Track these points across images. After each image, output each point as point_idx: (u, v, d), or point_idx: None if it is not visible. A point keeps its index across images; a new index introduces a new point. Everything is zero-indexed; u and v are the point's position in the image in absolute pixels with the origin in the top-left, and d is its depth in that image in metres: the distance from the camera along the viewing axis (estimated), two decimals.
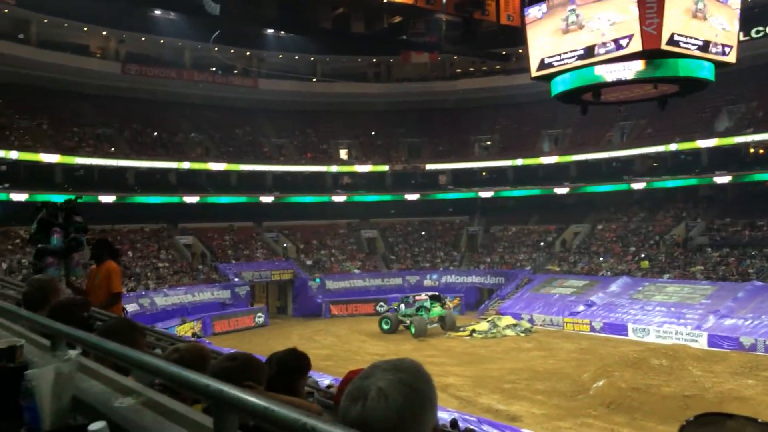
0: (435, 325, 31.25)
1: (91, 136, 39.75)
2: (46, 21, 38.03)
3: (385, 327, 32.06)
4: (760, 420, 0.87)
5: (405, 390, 1.15)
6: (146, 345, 3.43)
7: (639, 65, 15.06)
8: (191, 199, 40.58)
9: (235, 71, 46.46)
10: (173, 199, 40.07)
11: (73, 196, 7.58)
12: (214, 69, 45.44)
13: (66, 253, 6.85)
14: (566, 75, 16.19)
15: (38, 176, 35.42)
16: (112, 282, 6.41)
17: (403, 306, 32.45)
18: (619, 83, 15.66)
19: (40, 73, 38.11)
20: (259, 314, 35.64)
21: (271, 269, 39.46)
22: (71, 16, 38.45)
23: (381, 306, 38.14)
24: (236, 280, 37.05)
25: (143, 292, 32.37)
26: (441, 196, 46.94)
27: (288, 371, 2.86)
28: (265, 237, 42.83)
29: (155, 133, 42.77)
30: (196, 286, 35.12)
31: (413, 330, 30.59)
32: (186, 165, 41.20)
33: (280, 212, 43.73)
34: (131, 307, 29.39)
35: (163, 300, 32.60)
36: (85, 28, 40.10)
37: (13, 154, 34.08)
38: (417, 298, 32.47)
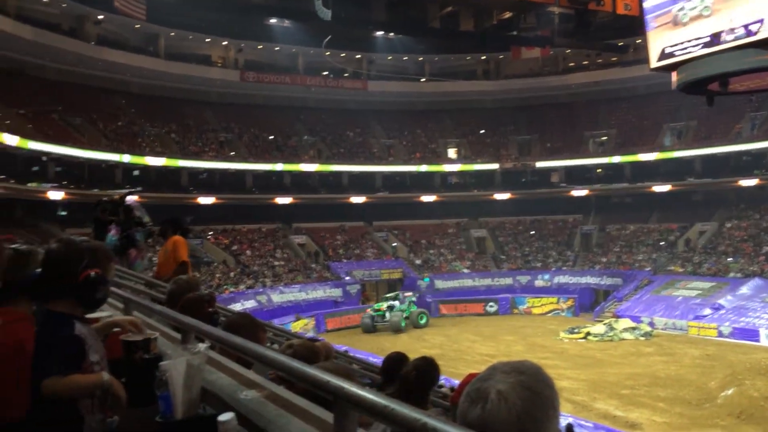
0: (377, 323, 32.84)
1: (213, 141, 42.07)
2: (172, 34, 40.67)
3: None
4: None
5: (526, 393, 1.12)
6: (266, 339, 3.58)
7: None
8: (305, 200, 41.98)
9: (346, 74, 47.52)
10: (287, 199, 41.60)
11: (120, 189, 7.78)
12: (325, 73, 46.73)
13: (122, 250, 7.10)
14: (691, 64, 15.21)
15: (166, 180, 37.94)
16: (177, 252, 6.64)
17: (398, 303, 33.73)
18: (753, 70, 14.50)
19: (168, 84, 40.96)
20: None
21: (381, 268, 40.03)
22: (194, 29, 40.94)
23: (491, 306, 37.69)
24: (347, 278, 37.90)
25: (260, 289, 33.85)
26: (554, 193, 45.54)
27: (424, 378, 2.92)
28: (375, 236, 43.49)
29: (271, 137, 44.59)
30: (310, 284, 36.26)
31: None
32: (300, 167, 42.67)
33: (390, 212, 44.25)
34: (249, 304, 30.83)
35: (278, 297, 33.93)
36: (207, 39, 42.51)
37: (147, 160, 36.73)
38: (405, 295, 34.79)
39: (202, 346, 1.91)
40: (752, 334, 27.77)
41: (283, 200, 41.36)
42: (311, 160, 43.92)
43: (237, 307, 24.53)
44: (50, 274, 2.11)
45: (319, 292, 36.12)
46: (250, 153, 42.33)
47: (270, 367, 1.79)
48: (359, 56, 47.56)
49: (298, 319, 31.73)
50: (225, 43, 43.50)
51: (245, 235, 39.64)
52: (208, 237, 37.66)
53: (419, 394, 2.58)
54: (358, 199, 43.60)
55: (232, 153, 41.90)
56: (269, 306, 32.54)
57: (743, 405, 17.90)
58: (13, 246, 2.23)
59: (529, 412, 1.10)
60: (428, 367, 2.90)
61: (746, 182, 38.21)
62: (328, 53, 44.76)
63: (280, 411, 1.60)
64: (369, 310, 33.63)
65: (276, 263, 37.61)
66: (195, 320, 2.54)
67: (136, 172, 36.98)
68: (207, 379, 1.97)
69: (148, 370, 2.00)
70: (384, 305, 33.34)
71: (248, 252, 37.82)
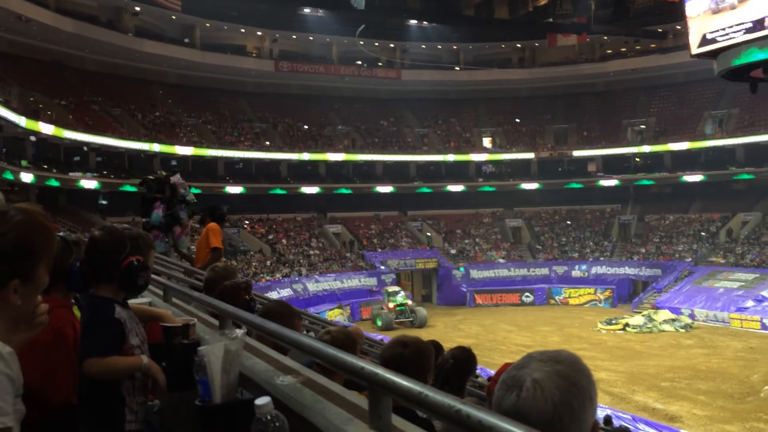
0: (398, 319, 31.31)
1: (248, 131, 42.51)
2: (208, 25, 41.14)
3: (378, 324, 30.92)
4: None
5: (562, 383, 1.10)
6: (301, 327, 3.62)
7: None
8: (339, 189, 42.21)
9: (380, 63, 47.44)
10: (323, 189, 41.87)
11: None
12: (359, 62, 46.72)
13: (168, 227, 7.20)
14: (733, 50, 14.78)
15: (203, 169, 38.50)
16: (209, 239, 6.71)
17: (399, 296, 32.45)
18: None
19: (204, 74, 41.48)
20: None
21: (416, 258, 40.04)
22: (230, 19, 41.32)
23: (527, 296, 37.40)
24: (382, 267, 38.01)
25: (296, 278, 34.19)
26: (592, 183, 44.83)
27: (462, 368, 2.92)
28: (410, 226, 43.47)
29: (305, 127, 44.84)
30: (345, 273, 36.49)
31: (379, 324, 30.69)
32: (334, 156, 42.87)
33: (424, 201, 44.17)
34: (285, 292, 31.18)
35: (314, 286, 34.24)
36: (242, 30, 42.87)
37: (184, 150, 37.32)
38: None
39: (239, 332, 1.94)
40: None
41: (317, 190, 41.65)
42: (345, 150, 44.07)
43: (273, 295, 24.84)
44: (94, 261, 2.17)
45: (354, 281, 36.33)
46: (285, 143, 42.66)
47: (305, 353, 1.80)
48: (393, 45, 47.42)
49: (339, 307, 32.06)
50: (260, 33, 43.80)
51: (281, 225, 40.04)
52: (245, 226, 38.14)
53: (456, 384, 2.58)
54: (392, 189, 43.61)
55: (267, 143, 42.27)
56: (305, 295, 32.85)
57: None
58: (61, 234, 2.30)
59: (565, 402, 1.09)
60: (465, 357, 2.90)
61: None
62: (362, 42, 44.73)
63: (317, 396, 1.62)
64: (387, 303, 32.12)
65: (311, 252, 37.92)
66: (232, 307, 2.58)
67: (173, 162, 37.61)
68: (244, 365, 2.00)
69: (186, 355, 2.05)
70: (404, 299, 32.55)
71: (284, 241, 38.21)
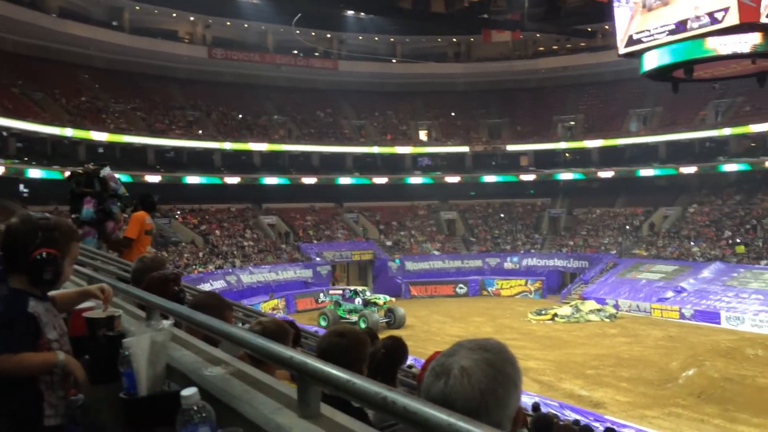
0: (384, 320, 28.41)
1: (180, 119, 41.42)
2: (137, 8, 39.76)
3: (323, 324, 28.17)
4: None
5: (489, 371, 1.14)
6: (233, 318, 3.57)
7: (756, 38, 14.08)
8: (274, 180, 41.71)
9: (316, 53, 47.08)
10: (257, 180, 41.28)
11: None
12: (295, 52, 46.21)
13: (100, 222, 7.01)
14: (657, 51, 15.43)
15: (132, 157, 37.25)
16: (127, 227, 6.62)
17: (343, 301, 29.98)
18: (718, 58, 14.77)
19: (133, 59, 40.04)
20: None
21: (352, 249, 40.07)
22: (160, 3, 40.04)
23: (460, 288, 38.04)
24: (318, 259, 37.86)
25: (230, 270, 33.64)
26: (524, 177, 45.95)
27: (393, 357, 2.93)
28: (346, 217, 43.46)
29: (240, 116, 44.07)
30: (280, 265, 36.15)
31: (364, 326, 28.04)
32: (269, 147, 42.29)
33: (361, 193, 44.23)
34: (218, 284, 30.63)
35: (248, 277, 33.78)
36: (174, 14, 41.66)
37: (112, 137, 36.00)
38: (371, 294, 30.59)
39: (166, 323, 1.90)
40: (713, 317, 28.53)
41: (252, 180, 41.03)
42: (281, 140, 43.58)
43: (206, 287, 24.34)
44: (7, 251, 2.06)
45: (290, 273, 36.04)
46: (219, 131, 41.79)
47: (234, 344, 1.78)
48: (329, 35, 47.14)
49: (271, 297, 31.71)
50: (192, 18, 42.70)
51: (214, 215, 39.27)
52: (176, 216, 37.21)
53: (387, 373, 2.61)
54: (328, 180, 43.45)
55: (200, 131, 41.30)
56: (239, 286, 32.37)
57: (703, 385, 18.44)
58: None
59: (491, 389, 1.12)
60: (396, 346, 2.93)
61: (708, 168, 39.07)
62: (298, 32, 44.25)
63: (246, 387, 1.60)
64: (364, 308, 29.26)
65: (245, 243, 37.37)
66: (159, 298, 2.52)
67: (100, 149, 36.25)
68: (172, 357, 1.96)
69: (111, 347, 1.99)
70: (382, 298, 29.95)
71: (217, 232, 37.51)
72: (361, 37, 47.30)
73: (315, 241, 40.06)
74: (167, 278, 3.31)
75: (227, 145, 40.89)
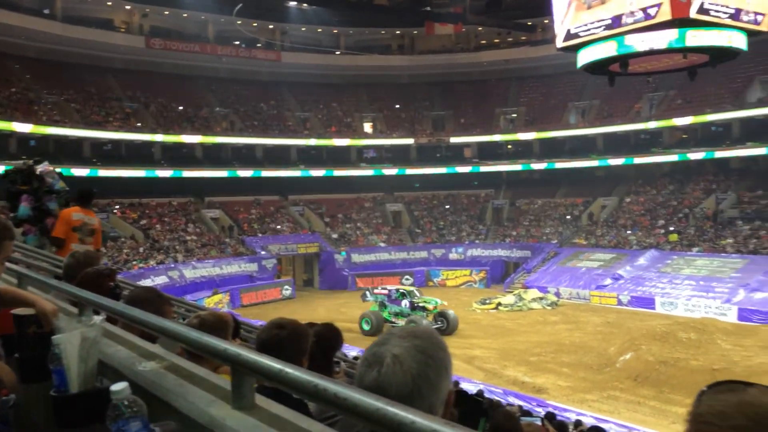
0: (435, 326, 24.17)
1: (117, 111, 40.19)
2: None
3: (366, 328, 25.71)
4: None
5: (420, 357, 1.16)
6: (173, 314, 3.50)
7: (673, 34, 14.67)
8: (217, 173, 40.98)
9: (259, 45, 46.42)
10: (199, 173, 40.48)
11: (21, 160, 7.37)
12: (237, 43, 45.44)
13: (38, 220, 6.80)
14: (594, 45, 15.86)
15: (66, 150, 35.96)
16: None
17: (389, 303, 26.83)
18: (651, 53, 15.30)
19: (66, 48, 38.54)
20: (286, 287, 36.09)
21: (297, 242, 39.84)
22: None
23: (407, 279, 38.29)
24: (263, 253, 37.48)
25: (172, 265, 32.95)
26: (467, 169, 46.55)
27: (325, 344, 2.92)
28: (291, 210, 43.12)
29: (180, 108, 43.08)
30: (224, 259, 35.62)
31: None
32: (210, 139, 41.50)
33: (306, 186, 43.93)
34: (160, 279, 29.99)
35: (191, 272, 33.17)
36: (109, 2, 40.32)
37: (45, 129, 34.63)
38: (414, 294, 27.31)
39: (97, 319, 1.85)
40: (648, 302, 29.64)
41: (194, 173, 40.18)
42: (224, 133, 42.86)
43: (147, 283, 23.78)
44: None
45: (234, 267, 35.56)
46: (158, 124, 40.76)
47: (169, 339, 1.76)
48: (272, 26, 46.54)
49: (215, 293, 31.20)
50: (128, 7, 41.41)
51: (154, 209, 38.33)
52: (114, 211, 36.15)
53: (321, 360, 2.61)
54: (272, 173, 43.00)
55: (138, 123, 40.18)
56: (182, 282, 31.77)
57: (640, 369, 19.13)
58: None
59: (423, 374, 1.15)
60: (328, 333, 2.92)
61: (643, 159, 40.49)
62: (240, 22, 43.53)
63: (180, 381, 1.58)
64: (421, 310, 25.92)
65: (188, 238, 36.65)
66: (92, 293, 2.45)
67: (32, 142, 34.85)
68: (105, 353, 1.91)
69: (41, 344, 1.93)
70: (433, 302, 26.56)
71: (158, 226, 36.65)
72: (304, 29, 46.87)
73: (260, 235, 39.62)
74: (101, 274, 3.23)
75: (166, 138, 39.89)
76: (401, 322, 25.26)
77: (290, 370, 1.14)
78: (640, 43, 15.02)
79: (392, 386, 1.13)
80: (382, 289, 28.34)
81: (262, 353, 1.48)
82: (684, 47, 14.93)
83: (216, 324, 2.65)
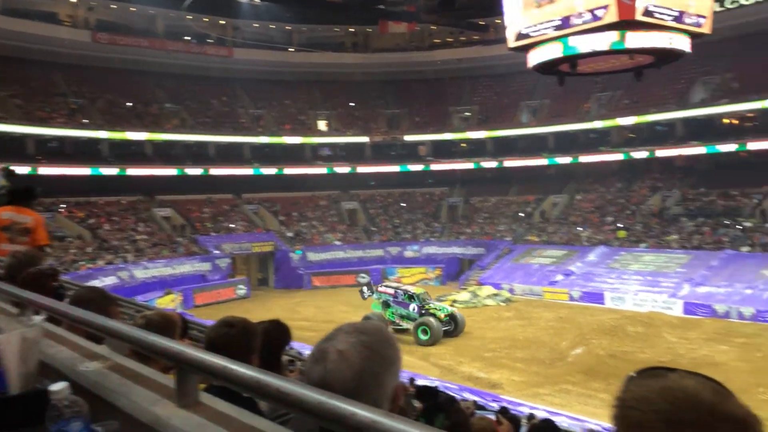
0: (445, 328, 24.27)
1: (63, 107, 39.02)
2: None
3: (425, 338, 24.07)
4: (698, 373, 0.91)
5: (365, 352, 1.18)
6: (119, 314, 3.43)
7: (614, 36, 15.07)
8: (168, 171, 40.19)
9: (210, 40, 45.71)
10: (149, 170, 39.63)
11: None
12: (188, 38, 44.64)
13: None
14: (543, 46, 16.16)
15: (8, 147, 34.65)
16: None
17: (394, 304, 25.38)
18: (594, 54, 15.68)
19: (9, 42, 37.06)
20: (241, 286, 35.67)
21: (252, 241, 39.40)
22: None
23: (363, 277, 38.30)
24: (216, 252, 36.94)
25: (122, 265, 32.19)
26: (422, 167, 46.82)
27: (271, 342, 2.88)
28: (245, 209, 42.62)
29: (129, 104, 42.08)
30: (176, 259, 34.97)
31: (425, 337, 23.56)
32: (159, 136, 40.64)
33: (260, 184, 43.47)
34: (109, 280, 29.28)
35: (142, 273, 32.46)
36: None
37: None
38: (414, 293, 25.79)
39: (37, 319, 1.80)
40: (598, 298, 30.35)
41: (142, 171, 39.29)
42: (175, 130, 42.04)
43: (96, 284, 23.15)
44: None
45: (187, 267, 34.95)
46: (106, 120, 39.69)
47: (113, 338, 1.72)
48: (223, 22, 45.92)
49: (167, 294, 30.60)
50: (73, 0, 40.20)
51: (102, 208, 37.36)
52: (60, 210, 35.08)
53: (267, 357, 2.59)
54: (225, 171, 42.41)
55: (84, 120, 39.06)
56: (132, 282, 31.05)
57: (590, 362, 19.60)
58: None
59: (368, 369, 1.16)
60: (274, 329, 2.90)
61: (592, 158, 41.44)
62: (190, 17, 42.83)
63: (124, 380, 1.55)
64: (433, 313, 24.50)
65: (138, 237, 35.84)
66: (33, 294, 2.38)
67: None
68: (46, 353, 1.86)
69: None
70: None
71: (106, 226, 35.73)
72: (256, 25, 46.39)
73: (213, 234, 39.03)
74: (43, 273, 3.14)
75: (112, 135, 38.82)
76: (407, 325, 24.44)
77: (234, 367, 1.13)
78: (583, 44, 15.41)
79: (337, 381, 1.14)
80: (386, 287, 26.67)
81: (210, 352, 1.47)
82: (624, 49, 15.35)
83: (163, 323, 2.61)
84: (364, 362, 1.16)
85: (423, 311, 24.45)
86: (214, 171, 41.88)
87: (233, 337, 2.25)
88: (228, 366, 1.14)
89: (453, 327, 24.30)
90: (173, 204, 40.06)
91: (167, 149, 41.64)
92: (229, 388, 1.35)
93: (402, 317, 24.92)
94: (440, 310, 24.68)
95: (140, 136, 40.00)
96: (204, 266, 35.60)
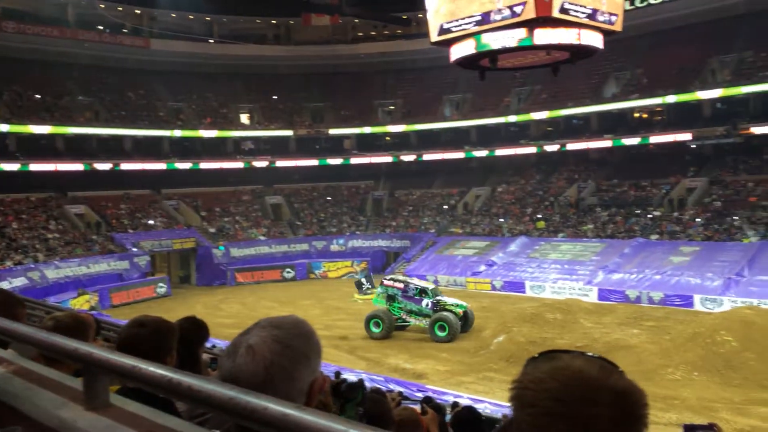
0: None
1: None
2: None
3: (376, 330, 23.49)
4: (588, 353, 0.96)
5: (276, 347, 1.18)
6: (26, 316, 3.26)
7: (522, 33, 15.51)
8: (79, 166, 38.38)
9: (125, 30, 43.97)
10: (59, 165, 37.78)
11: None
12: (101, 28, 42.76)
13: None
14: (463, 41, 16.45)
15: None
16: None
17: (404, 299, 23.93)
18: (504, 51, 16.10)
19: None
20: (161, 284, 34.60)
21: (172, 238, 38.26)
22: None
23: (288, 272, 37.98)
24: (134, 250, 35.65)
25: (32, 265, 30.57)
26: (347, 161, 46.79)
27: (187, 340, 2.79)
28: (165, 205, 41.31)
29: (38, 96, 39.94)
30: (91, 258, 33.52)
31: (443, 333, 22.61)
32: (64, 129, 38.77)
33: (180, 179, 42.22)
34: (18, 281, 27.82)
35: (54, 273, 30.92)
36: None
37: None
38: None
39: None
40: (519, 287, 31.31)
41: (48, 166, 37.37)
42: (87, 123, 40.22)
43: (3, 285, 21.93)
44: None
45: (103, 266, 33.57)
46: (12, 113, 37.52)
47: (17, 341, 1.63)
48: (139, 11, 44.33)
49: (80, 294, 29.28)
50: None
51: (10, 206, 35.34)
52: None
53: (186, 356, 2.53)
54: (143, 165, 40.97)
55: None
56: (43, 283, 29.54)
57: (512, 350, 20.13)
58: None
59: (277, 364, 1.17)
60: (190, 326, 2.82)
61: (512, 151, 42.60)
62: (103, 6, 41.07)
63: (28, 385, 1.48)
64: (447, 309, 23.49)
65: (50, 236, 34.13)
66: None
67: None
68: None
69: None
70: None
71: (14, 224, 33.85)
72: (174, 15, 44.99)
73: (131, 231, 37.64)
74: None
75: (14, 128, 36.69)
76: (414, 321, 23.56)
77: (144, 366, 1.10)
78: (494, 41, 15.81)
79: (244, 375, 1.15)
80: (394, 280, 24.94)
81: (122, 353, 1.42)
82: (532, 45, 15.84)
83: (73, 325, 2.50)
84: (274, 357, 1.17)
85: (437, 307, 23.28)
86: (126, 166, 40.24)
87: (145, 337, 2.17)
88: (138, 366, 1.11)
89: (465, 322, 23.42)
90: (87, 200, 38.37)
91: (80, 143, 39.82)
92: (143, 389, 1.32)
93: (410, 313, 23.73)
94: (457, 306, 23.58)
95: (43, 129, 37.94)
96: (121, 264, 34.31)
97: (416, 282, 24.98)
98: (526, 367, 0.99)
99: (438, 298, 23.74)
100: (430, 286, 25.02)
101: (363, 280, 28.37)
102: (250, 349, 1.17)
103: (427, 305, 23.42)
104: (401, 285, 24.24)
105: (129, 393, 1.59)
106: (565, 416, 0.89)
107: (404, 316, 23.75)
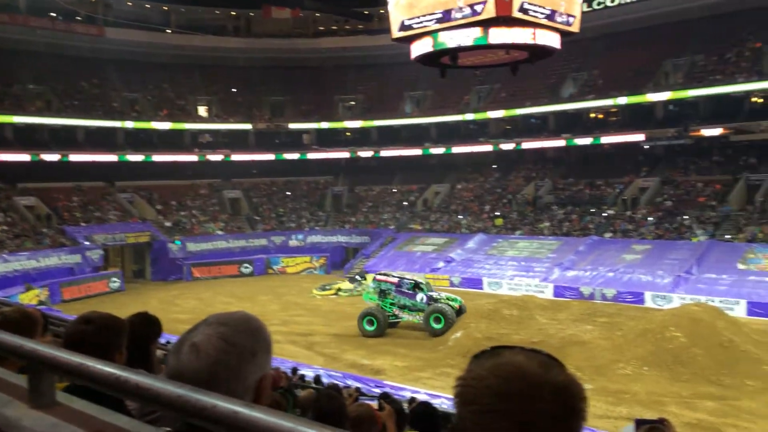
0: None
1: None
2: None
3: (370, 328, 23.09)
4: (528, 348, 0.98)
5: (220, 344, 1.17)
6: None
7: (477, 32, 15.68)
8: (27, 157, 37.20)
9: (78, 18, 42.76)
10: (8, 156, 36.58)
11: None
12: (53, 15, 41.51)
13: None
14: (422, 38, 16.53)
15: None
16: None
17: (397, 294, 23.58)
18: (460, 49, 16.25)
19: None
20: (114, 279, 33.87)
21: (126, 231, 37.45)
22: None
23: (246, 267, 37.60)
24: (87, 243, 34.77)
25: None
26: (306, 155, 46.50)
27: (137, 336, 2.71)
28: (119, 198, 40.40)
29: None
30: (41, 251, 32.58)
31: (438, 325, 22.42)
32: (8, 118, 37.53)
33: (135, 171, 41.33)
34: None
35: (2, 266, 29.97)
36: None
37: None
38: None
39: None
40: (477, 283, 31.64)
41: (3, 157, 36.21)
42: (38, 112, 39.01)
43: None
44: None
45: (54, 259, 32.66)
46: None
47: None
48: None
49: (28, 290, 28.42)
50: None
51: None
52: None
53: (137, 353, 2.47)
54: (96, 157, 39.92)
55: None
56: None
57: (469, 345, 20.31)
58: None
59: (221, 360, 1.16)
60: (141, 322, 2.76)
61: (472, 148, 42.98)
62: None
63: None
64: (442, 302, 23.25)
65: None
66: None
67: None
68: None
69: None
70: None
71: None
72: (130, 3, 44.00)
73: (83, 224, 36.68)
74: None
75: None
76: (407, 316, 23.31)
77: (91, 364, 1.07)
78: (451, 40, 15.95)
79: (187, 373, 1.14)
80: (386, 276, 24.53)
81: (68, 349, 1.38)
82: (487, 44, 16.02)
83: (20, 321, 2.42)
84: (219, 354, 1.16)
85: (431, 301, 23.15)
86: (76, 157, 39.01)
87: (91, 334, 2.12)
88: (84, 363, 1.08)
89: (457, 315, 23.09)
90: (38, 192, 37.24)
91: (31, 133, 38.60)
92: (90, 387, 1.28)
93: (402, 308, 23.42)
94: (453, 300, 23.49)
95: (10, 119, 36.76)
96: (73, 258, 33.43)
97: (410, 276, 24.78)
98: (470, 365, 0.99)
99: (432, 293, 23.59)
100: (424, 280, 24.76)
101: (357, 276, 28.19)
102: (194, 347, 1.16)
103: (422, 299, 23.15)
104: (395, 280, 23.91)
105: (77, 391, 1.55)
106: (507, 412, 0.89)
107: (396, 312, 23.46)
